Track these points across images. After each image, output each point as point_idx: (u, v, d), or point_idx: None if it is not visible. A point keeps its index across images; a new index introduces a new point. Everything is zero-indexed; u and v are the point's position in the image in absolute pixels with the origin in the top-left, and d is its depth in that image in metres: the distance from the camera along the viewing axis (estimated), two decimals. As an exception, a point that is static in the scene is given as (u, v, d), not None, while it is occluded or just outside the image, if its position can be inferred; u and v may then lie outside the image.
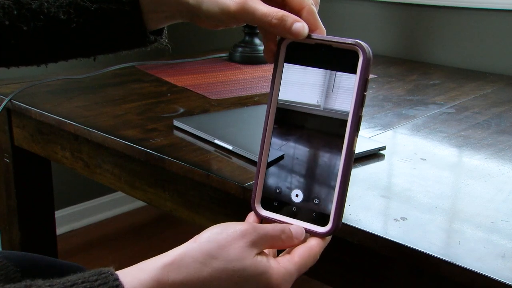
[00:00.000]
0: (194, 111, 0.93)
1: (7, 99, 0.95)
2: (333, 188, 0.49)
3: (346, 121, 0.49)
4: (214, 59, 1.35)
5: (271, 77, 0.53)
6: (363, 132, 0.83)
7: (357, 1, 1.55)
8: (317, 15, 0.55)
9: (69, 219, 2.03)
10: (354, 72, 0.49)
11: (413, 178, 0.69)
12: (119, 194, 2.15)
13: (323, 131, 0.50)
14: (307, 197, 0.50)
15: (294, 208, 0.51)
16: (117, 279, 0.43)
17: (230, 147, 0.74)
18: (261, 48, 1.27)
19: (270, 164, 0.52)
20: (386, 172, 0.71)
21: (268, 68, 1.27)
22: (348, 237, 0.57)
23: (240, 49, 1.32)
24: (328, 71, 0.51)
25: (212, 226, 0.48)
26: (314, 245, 0.49)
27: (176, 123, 0.83)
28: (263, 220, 0.52)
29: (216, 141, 0.76)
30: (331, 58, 0.52)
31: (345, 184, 0.49)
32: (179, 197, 0.76)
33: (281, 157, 0.52)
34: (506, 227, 0.56)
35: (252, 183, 0.65)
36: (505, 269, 0.48)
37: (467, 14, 1.37)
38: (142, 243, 1.99)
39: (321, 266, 0.52)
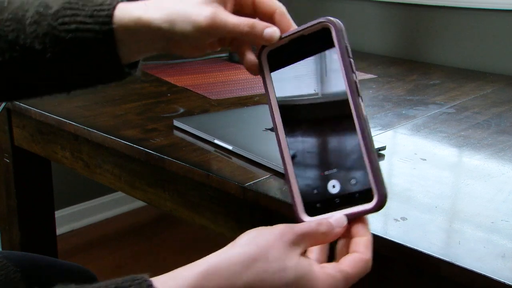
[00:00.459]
0: (194, 111, 0.93)
1: (7, 99, 0.95)
2: (362, 160, 0.47)
3: (346, 100, 0.48)
4: (214, 59, 1.35)
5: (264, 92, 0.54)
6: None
7: (357, 1, 1.55)
8: (288, 15, 0.55)
9: (69, 219, 2.03)
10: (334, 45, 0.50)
11: (413, 178, 0.69)
12: (119, 194, 2.15)
13: (328, 116, 0.51)
14: (343, 183, 0.49)
15: (337, 200, 0.49)
16: (150, 285, 0.42)
17: (230, 147, 0.74)
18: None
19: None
20: (386, 172, 0.71)
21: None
22: (348, 237, 0.57)
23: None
24: (314, 58, 0.51)
25: (246, 232, 0.47)
26: (362, 251, 0.47)
27: (176, 123, 0.83)
28: None
29: (216, 141, 0.76)
30: (310, 45, 0.52)
31: (371, 150, 0.47)
32: (179, 197, 0.76)
33: (293, 156, 0.52)
34: (506, 227, 0.56)
35: (252, 183, 0.65)
36: (505, 269, 0.48)
37: (467, 14, 1.37)
38: (142, 243, 1.99)
39: (321, 266, 0.52)
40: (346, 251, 0.48)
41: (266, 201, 0.63)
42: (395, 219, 0.58)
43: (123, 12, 0.54)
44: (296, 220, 0.50)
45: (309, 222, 0.48)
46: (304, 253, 0.46)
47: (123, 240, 2.01)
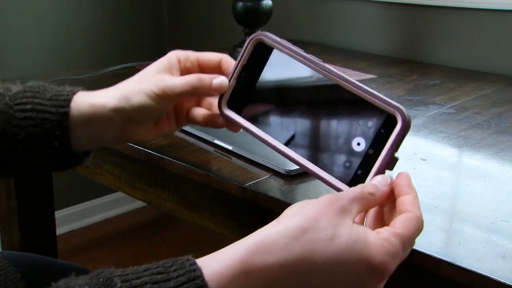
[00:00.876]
0: (194, 111, 0.93)
1: (7, 99, 0.94)
2: (365, 102, 0.48)
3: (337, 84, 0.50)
4: (214, 59, 1.35)
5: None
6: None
7: (357, 1, 1.55)
8: (232, 59, 0.58)
9: (69, 219, 2.03)
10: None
11: (413, 178, 0.68)
12: (119, 194, 2.15)
13: (317, 98, 0.53)
14: (363, 132, 0.49)
15: (370, 151, 0.48)
16: (194, 264, 0.40)
17: (230, 147, 0.74)
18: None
19: (286, 144, 0.53)
20: (386, 172, 0.71)
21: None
22: (348, 237, 0.56)
23: (240, 49, 1.32)
24: (266, 69, 0.55)
25: (291, 206, 0.45)
26: (411, 210, 0.45)
27: (176, 123, 0.83)
28: None
29: (216, 141, 0.76)
30: (255, 66, 0.55)
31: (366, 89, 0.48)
32: (179, 197, 0.76)
33: (292, 137, 0.52)
34: (506, 227, 0.56)
35: (252, 183, 0.65)
36: (505, 269, 0.48)
37: (467, 14, 1.37)
38: (142, 243, 1.99)
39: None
40: (395, 213, 0.46)
41: (266, 201, 0.63)
42: (395, 219, 0.57)
43: (81, 99, 0.55)
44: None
45: (353, 187, 0.46)
46: (356, 222, 0.44)
47: (123, 240, 2.01)
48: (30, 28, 1.75)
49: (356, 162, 0.49)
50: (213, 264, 0.41)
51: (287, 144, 0.53)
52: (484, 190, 0.65)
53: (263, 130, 0.54)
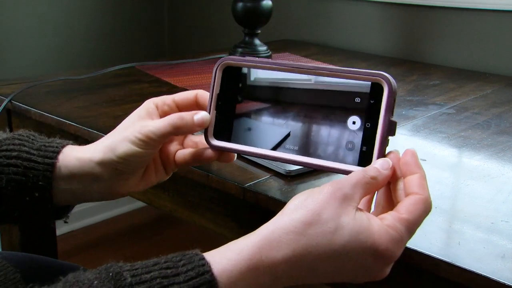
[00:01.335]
0: (194, 111, 0.93)
1: (7, 100, 0.95)
2: (349, 84, 0.50)
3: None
4: (214, 60, 1.35)
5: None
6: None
7: (357, 1, 1.55)
8: (204, 91, 0.58)
9: (69, 219, 2.03)
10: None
11: (413, 178, 0.69)
12: (119, 194, 2.15)
13: (305, 94, 0.53)
14: (354, 110, 0.50)
15: (368, 124, 0.49)
16: (202, 258, 0.41)
17: (230, 148, 0.74)
18: (261, 48, 1.27)
19: (279, 144, 0.53)
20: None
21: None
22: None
23: (240, 49, 1.32)
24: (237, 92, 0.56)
25: (295, 196, 0.45)
26: (417, 191, 0.45)
27: (176, 123, 0.83)
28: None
29: (216, 142, 0.76)
30: (229, 91, 0.56)
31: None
32: (179, 197, 0.76)
33: (288, 135, 0.53)
34: (506, 227, 0.56)
35: (252, 183, 0.65)
36: (504, 269, 0.48)
37: (467, 14, 1.37)
38: (142, 243, 1.99)
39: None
40: (401, 193, 0.46)
41: (266, 202, 0.63)
42: (395, 220, 0.57)
43: (69, 153, 0.55)
44: None
45: (355, 172, 0.46)
46: (360, 209, 0.45)
47: (123, 240, 2.01)
48: (30, 28, 1.75)
49: (358, 140, 0.50)
50: (223, 261, 0.42)
51: (286, 149, 0.53)
52: (484, 190, 0.65)
53: (258, 146, 0.54)
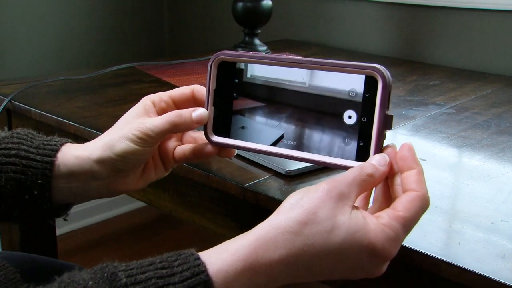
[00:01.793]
0: (194, 111, 0.92)
1: (7, 100, 0.95)
2: (342, 76, 0.50)
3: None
4: (214, 59, 1.35)
5: None
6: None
7: (357, 1, 1.55)
8: (200, 86, 0.58)
9: (69, 219, 2.02)
10: None
11: (413, 178, 0.69)
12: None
13: (300, 89, 0.53)
14: (350, 103, 0.50)
15: (364, 119, 0.49)
16: (198, 258, 0.41)
17: (230, 148, 0.74)
18: (261, 48, 1.27)
19: (278, 140, 0.53)
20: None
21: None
22: (348, 238, 0.56)
23: (240, 49, 1.32)
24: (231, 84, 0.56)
25: (291, 194, 0.45)
26: (414, 188, 0.44)
27: (176, 123, 0.83)
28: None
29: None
30: (225, 87, 0.56)
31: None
32: (179, 197, 0.76)
33: (281, 136, 0.53)
34: (506, 227, 0.56)
35: (252, 183, 0.65)
36: (504, 269, 0.48)
37: (467, 14, 1.37)
38: (142, 243, 1.99)
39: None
40: (399, 189, 0.46)
41: (266, 202, 0.63)
42: (395, 220, 0.57)
43: (68, 151, 0.55)
44: None
45: (352, 169, 0.46)
46: (356, 207, 0.45)
47: (123, 240, 2.01)
48: (30, 28, 1.75)
49: (354, 135, 0.50)
50: (218, 261, 0.41)
51: (284, 145, 0.53)
52: (484, 190, 0.65)
53: (257, 142, 0.54)
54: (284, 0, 1.66)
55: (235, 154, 0.59)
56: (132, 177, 0.57)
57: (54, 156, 0.54)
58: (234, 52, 0.55)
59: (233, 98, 0.56)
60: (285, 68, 0.53)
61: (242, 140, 0.55)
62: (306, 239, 0.42)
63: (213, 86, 0.56)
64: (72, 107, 0.93)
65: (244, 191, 0.65)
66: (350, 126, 0.50)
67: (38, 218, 0.57)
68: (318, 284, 0.73)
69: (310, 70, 0.51)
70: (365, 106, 0.49)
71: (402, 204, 0.44)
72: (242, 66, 0.55)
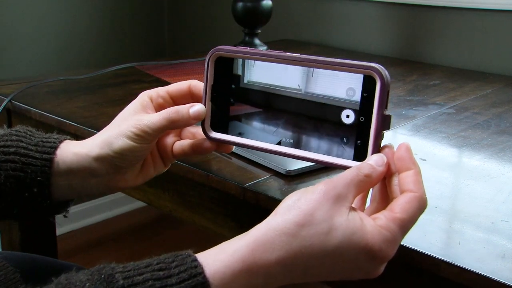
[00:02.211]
0: (194, 111, 0.92)
1: (7, 100, 0.95)
2: (339, 67, 0.50)
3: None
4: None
5: None
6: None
7: (357, 1, 1.55)
8: (197, 81, 0.58)
9: (69, 219, 2.03)
10: None
11: (413, 178, 0.69)
12: (119, 194, 2.15)
13: (299, 86, 0.53)
14: (348, 103, 0.50)
15: (362, 118, 0.49)
16: (195, 260, 0.41)
17: (230, 148, 0.74)
18: (261, 48, 1.27)
19: (276, 136, 0.53)
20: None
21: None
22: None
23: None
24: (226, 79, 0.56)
25: (289, 196, 0.45)
26: (411, 189, 0.44)
27: (176, 123, 0.83)
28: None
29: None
30: (223, 82, 0.56)
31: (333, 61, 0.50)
32: (179, 197, 0.76)
33: (284, 135, 0.53)
34: (506, 227, 0.56)
35: (252, 183, 0.65)
36: (504, 269, 0.48)
37: (467, 14, 1.37)
38: (142, 243, 1.99)
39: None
40: (396, 189, 0.46)
41: (266, 201, 0.63)
42: (395, 220, 0.57)
43: (66, 148, 0.55)
44: None
45: (349, 169, 0.46)
46: (354, 208, 0.45)
47: (123, 240, 2.01)
48: (30, 28, 1.75)
49: (352, 134, 0.49)
50: (216, 263, 0.41)
51: (281, 143, 0.53)
52: (484, 190, 0.65)
53: (255, 139, 0.54)
54: (284, 0, 1.66)
55: (233, 149, 0.59)
56: (131, 173, 0.57)
57: (53, 153, 0.54)
58: (231, 48, 0.55)
59: (231, 93, 0.56)
60: (283, 66, 0.52)
61: (241, 134, 0.55)
62: (303, 241, 0.42)
63: (210, 81, 0.56)
64: (72, 107, 0.93)
65: (244, 191, 0.65)
66: (348, 125, 0.50)
67: (38, 215, 0.57)
68: (318, 284, 0.73)
69: (309, 68, 0.51)
70: (363, 106, 0.49)
71: (399, 206, 0.44)
72: (240, 60, 0.55)
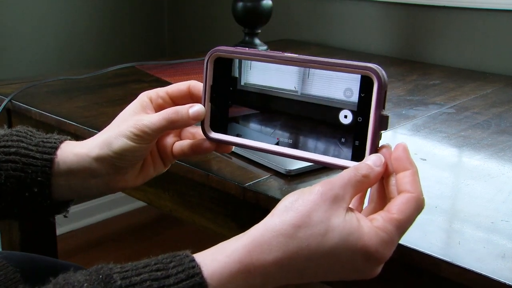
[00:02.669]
0: (194, 111, 0.92)
1: (7, 100, 0.95)
2: (337, 68, 0.50)
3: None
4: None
5: None
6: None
7: (357, 1, 1.55)
8: (197, 82, 0.58)
9: (69, 219, 2.03)
10: None
11: (413, 178, 0.68)
12: (119, 194, 2.15)
13: (297, 86, 0.53)
14: (346, 104, 0.50)
15: (359, 119, 0.49)
16: (193, 260, 0.41)
17: (230, 147, 0.74)
18: (262, 48, 1.27)
19: (274, 137, 0.53)
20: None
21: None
22: (348, 237, 0.56)
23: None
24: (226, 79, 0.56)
25: (286, 197, 0.45)
26: (408, 189, 0.44)
27: (176, 123, 0.83)
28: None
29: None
30: (221, 83, 0.56)
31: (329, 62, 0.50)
32: (179, 197, 0.76)
33: (283, 135, 0.53)
34: (506, 227, 0.56)
35: (252, 183, 0.65)
36: (505, 269, 0.48)
37: (467, 14, 1.37)
38: (142, 243, 1.99)
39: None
40: (394, 189, 0.46)
41: (266, 201, 0.63)
42: (395, 219, 0.57)
43: (67, 148, 0.55)
44: None
45: (347, 169, 0.46)
46: (351, 209, 0.45)
47: (123, 240, 2.01)
48: (30, 28, 1.75)
49: (350, 134, 0.50)
50: (213, 263, 0.41)
51: (280, 143, 0.53)
52: (484, 190, 0.65)
53: (254, 139, 0.54)
54: (284, 0, 1.66)
55: (233, 149, 0.59)
56: (131, 173, 0.57)
57: (54, 153, 0.54)
58: (230, 48, 0.55)
59: (230, 93, 0.56)
60: (281, 66, 0.52)
61: (240, 134, 0.55)
62: (300, 242, 0.42)
63: (209, 82, 0.56)
64: (72, 107, 0.93)
65: (244, 191, 0.65)
66: (346, 126, 0.50)
67: (38, 215, 0.57)
68: (318, 284, 0.73)
69: (305, 70, 0.51)
70: (360, 106, 0.49)
71: (396, 206, 0.44)
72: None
